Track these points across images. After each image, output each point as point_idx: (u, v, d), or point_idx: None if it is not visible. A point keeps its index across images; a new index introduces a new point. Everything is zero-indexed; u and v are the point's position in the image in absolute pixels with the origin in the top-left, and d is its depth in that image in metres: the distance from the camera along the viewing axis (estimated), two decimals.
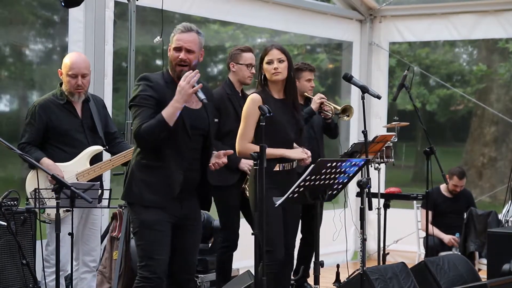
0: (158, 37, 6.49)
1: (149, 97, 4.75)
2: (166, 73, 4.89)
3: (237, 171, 6.53)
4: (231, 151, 5.06)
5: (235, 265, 6.97)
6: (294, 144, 5.72)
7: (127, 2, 6.75)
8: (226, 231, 6.70)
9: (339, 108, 7.03)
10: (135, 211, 4.85)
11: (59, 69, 6.02)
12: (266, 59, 5.57)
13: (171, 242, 4.86)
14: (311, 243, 7.31)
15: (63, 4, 6.37)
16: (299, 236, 7.25)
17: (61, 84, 6.02)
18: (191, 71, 4.74)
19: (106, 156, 6.28)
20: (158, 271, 4.78)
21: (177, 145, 4.79)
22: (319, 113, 7.02)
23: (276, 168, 5.52)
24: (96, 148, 6.01)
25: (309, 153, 5.61)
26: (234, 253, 6.78)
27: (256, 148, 5.40)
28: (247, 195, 6.28)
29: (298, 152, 5.55)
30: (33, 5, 11.24)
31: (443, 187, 9.05)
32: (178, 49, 4.82)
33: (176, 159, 4.80)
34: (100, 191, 5.78)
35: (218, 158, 4.96)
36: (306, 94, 7.11)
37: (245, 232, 6.45)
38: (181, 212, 4.87)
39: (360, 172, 5.71)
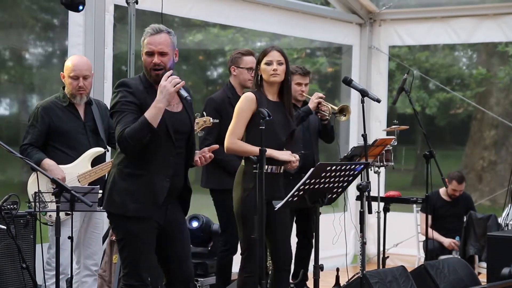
0: None
1: (130, 103, 4.62)
2: (143, 77, 4.76)
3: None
4: (217, 146, 4.99)
5: (234, 268, 6.96)
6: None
7: (126, 5, 6.75)
8: (226, 235, 6.69)
9: (336, 108, 7.01)
10: (118, 221, 4.74)
11: (62, 72, 6.05)
12: (265, 60, 5.54)
13: (162, 251, 4.80)
14: (307, 246, 7.31)
15: (80, 8, 6.39)
16: (295, 239, 7.26)
17: (64, 88, 6.04)
18: (171, 71, 4.66)
19: (109, 158, 6.29)
20: (143, 278, 4.72)
21: (162, 151, 4.68)
22: (316, 113, 7.00)
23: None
24: (98, 150, 6.02)
25: (297, 156, 5.58)
26: (234, 257, 6.77)
27: (245, 145, 5.44)
28: None
29: (287, 154, 5.51)
30: (33, 8, 11.25)
31: (442, 191, 9.04)
32: (150, 53, 4.70)
33: (162, 166, 4.69)
34: (102, 193, 5.79)
35: (203, 153, 4.86)
36: (305, 96, 7.10)
37: None
38: (166, 218, 4.77)
39: (360, 175, 5.70)
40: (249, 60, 6.62)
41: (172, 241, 4.82)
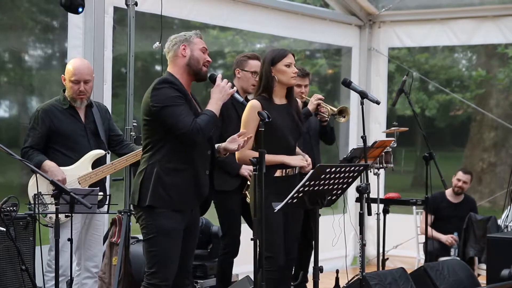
0: (157, 43, 6.48)
1: (181, 98, 4.82)
2: (173, 76, 4.91)
3: (238, 176, 6.52)
4: (245, 130, 5.17)
5: (234, 270, 6.96)
6: (297, 150, 5.71)
7: (126, 7, 6.75)
8: (227, 237, 6.68)
9: (335, 109, 7.01)
10: (155, 216, 4.80)
11: (63, 75, 6.04)
12: (284, 61, 5.52)
13: None
14: (307, 248, 7.31)
15: (80, 10, 6.39)
16: None
17: (64, 90, 6.05)
18: (221, 74, 5.01)
19: (109, 160, 6.29)
20: (168, 279, 4.82)
21: (201, 146, 4.89)
22: (315, 114, 7.00)
23: (277, 174, 5.49)
24: (98, 152, 6.02)
25: (309, 160, 5.60)
26: (235, 259, 6.76)
27: (255, 154, 5.37)
28: (248, 200, 6.28)
29: (298, 159, 5.53)
30: (32, 10, 11.26)
31: (448, 192, 9.05)
32: (205, 50, 4.99)
33: (202, 160, 4.91)
34: (102, 195, 5.80)
35: (234, 141, 5.09)
36: (305, 97, 7.11)
37: (245, 237, 6.45)
38: (191, 217, 4.94)
39: (359, 177, 5.70)
40: (254, 64, 6.59)
41: (186, 238, 4.92)
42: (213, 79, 5.01)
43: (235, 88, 4.99)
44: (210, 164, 5.02)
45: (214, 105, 4.89)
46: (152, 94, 4.83)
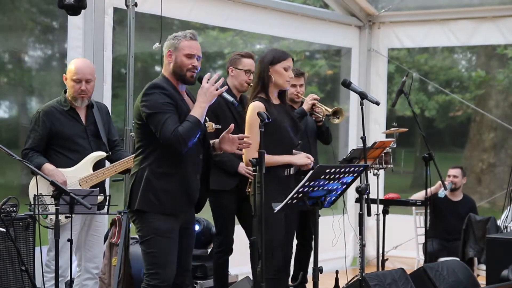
0: (157, 44, 6.50)
1: (170, 104, 4.78)
2: (165, 79, 4.92)
3: (236, 175, 6.52)
4: (248, 135, 5.14)
5: (234, 271, 6.96)
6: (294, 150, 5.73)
7: (126, 8, 6.76)
8: (221, 236, 6.69)
9: (330, 110, 7.03)
10: (148, 219, 4.83)
11: (64, 75, 6.04)
12: (283, 64, 5.57)
13: None
14: (306, 248, 7.31)
15: (70, 12, 6.40)
16: (295, 241, 7.26)
17: (65, 91, 6.04)
18: (209, 74, 4.87)
19: (107, 164, 6.28)
20: (168, 279, 4.83)
21: (192, 150, 4.86)
22: (310, 114, 7.02)
23: (285, 174, 5.51)
24: (99, 154, 6.02)
25: (311, 157, 5.63)
26: (233, 259, 6.77)
27: (268, 156, 5.31)
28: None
29: (303, 158, 5.56)
30: (32, 11, 11.26)
31: (447, 191, 9.07)
32: (190, 56, 4.89)
33: (192, 165, 4.88)
34: (103, 196, 5.80)
35: (235, 142, 5.03)
36: (301, 97, 7.12)
37: (244, 237, 6.45)
38: (186, 217, 4.95)
39: (359, 178, 5.71)
40: (248, 63, 6.61)
41: (183, 238, 4.94)
42: (200, 81, 4.95)
43: (223, 88, 4.89)
44: (205, 167, 5.00)
45: (197, 109, 4.81)
46: (142, 100, 4.85)
